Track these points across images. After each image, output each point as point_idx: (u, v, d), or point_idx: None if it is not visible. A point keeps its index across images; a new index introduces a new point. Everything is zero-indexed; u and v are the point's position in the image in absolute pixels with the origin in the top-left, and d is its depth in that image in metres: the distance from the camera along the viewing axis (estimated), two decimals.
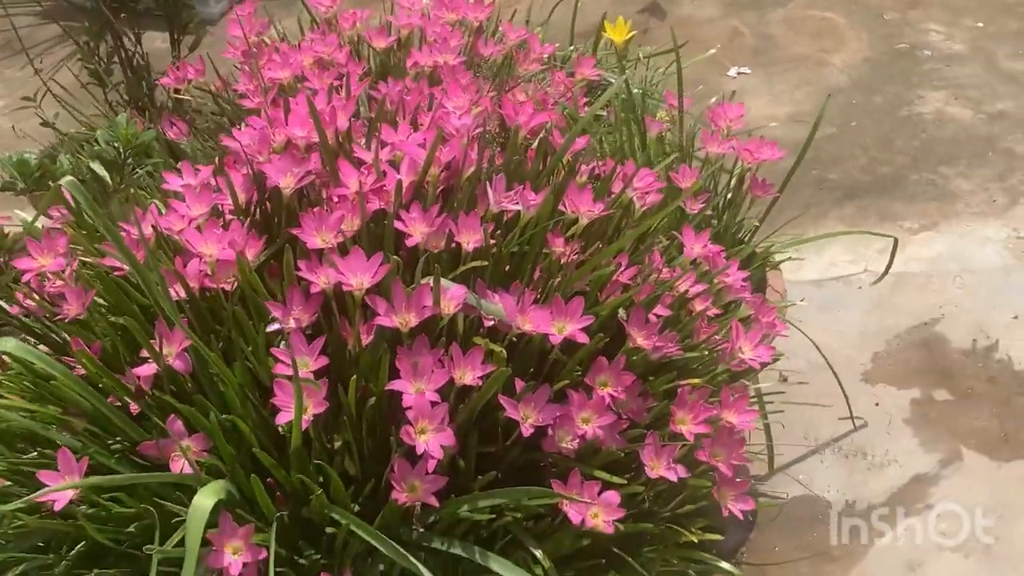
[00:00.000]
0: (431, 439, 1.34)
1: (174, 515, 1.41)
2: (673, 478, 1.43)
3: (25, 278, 1.54)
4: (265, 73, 1.93)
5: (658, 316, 1.53)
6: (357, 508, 1.39)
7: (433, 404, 1.35)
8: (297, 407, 1.32)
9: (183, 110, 2.13)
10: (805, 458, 2.27)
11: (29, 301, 1.58)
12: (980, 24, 3.76)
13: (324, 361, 1.39)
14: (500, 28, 2.24)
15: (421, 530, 1.36)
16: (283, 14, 2.51)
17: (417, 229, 1.46)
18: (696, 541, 1.52)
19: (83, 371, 1.47)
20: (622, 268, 1.54)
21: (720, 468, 1.48)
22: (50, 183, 2.00)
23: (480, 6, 2.13)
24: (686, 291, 1.59)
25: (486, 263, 1.46)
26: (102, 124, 2.40)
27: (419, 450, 1.33)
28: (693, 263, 1.65)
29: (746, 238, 2.19)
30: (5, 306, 1.65)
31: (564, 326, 1.41)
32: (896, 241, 2.26)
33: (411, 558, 1.28)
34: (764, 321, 1.59)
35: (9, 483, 1.50)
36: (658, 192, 1.69)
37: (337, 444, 1.43)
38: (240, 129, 1.73)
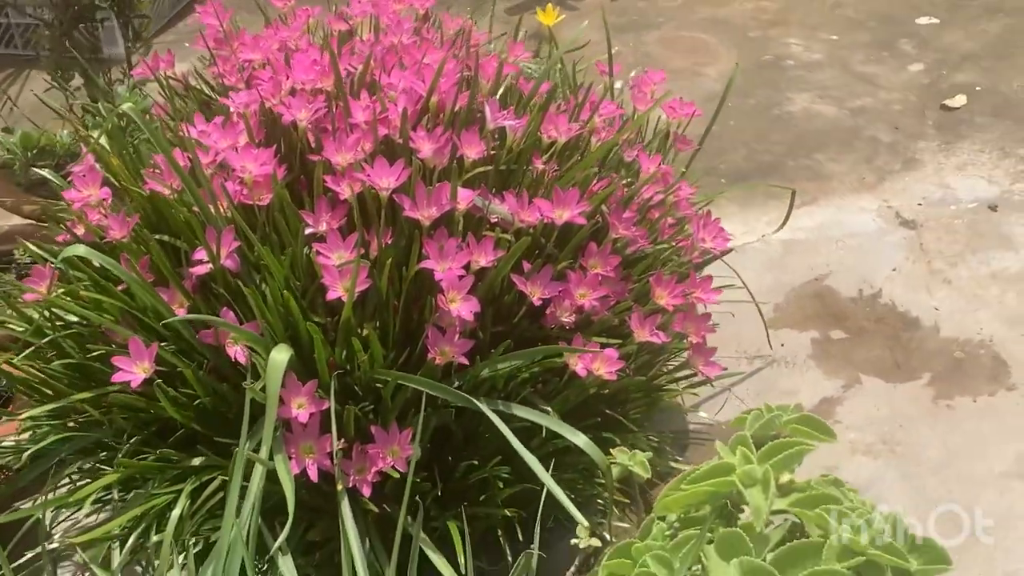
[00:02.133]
0: (461, 306, 1.59)
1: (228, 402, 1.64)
2: (658, 341, 1.70)
3: (76, 206, 1.74)
4: (239, 55, 2.15)
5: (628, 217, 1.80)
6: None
7: (460, 277, 1.59)
8: (352, 281, 1.55)
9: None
10: (720, 394, 2.53)
11: (79, 228, 1.77)
12: (835, 37, 4.21)
13: (356, 253, 1.62)
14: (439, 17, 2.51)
15: (458, 383, 1.60)
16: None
17: (425, 146, 1.71)
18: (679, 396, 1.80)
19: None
20: (595, 180, 1.82)
21: (691, 338, 1.75)
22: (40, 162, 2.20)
23: None
24: (650, 198, 1.87)
25: (490, 167, 1.72)
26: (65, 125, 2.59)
27: (453, 313, 1.57)
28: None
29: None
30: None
31: (563, 213, 1.68)
32: (794, 192, 2.58)
33: (465, 395, 1.52)
34: (712, 225, 1.87)
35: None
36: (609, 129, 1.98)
37: (365, 332, 1.65)
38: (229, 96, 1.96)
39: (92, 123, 2.10)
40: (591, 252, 1.71)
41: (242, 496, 1.46)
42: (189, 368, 1.60)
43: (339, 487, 1.51)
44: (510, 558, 1.65)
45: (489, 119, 1.76)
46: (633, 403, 1.81)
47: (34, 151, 2.11)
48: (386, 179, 1.64)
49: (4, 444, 1.76)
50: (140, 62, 2.34)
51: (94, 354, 1.69)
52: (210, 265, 1.65)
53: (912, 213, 3.15)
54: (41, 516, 1.70)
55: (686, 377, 1.88)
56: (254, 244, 1.64)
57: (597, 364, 1.64)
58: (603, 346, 1.67)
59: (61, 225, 1.81)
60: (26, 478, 1.76)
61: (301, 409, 1.54)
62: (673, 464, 1.84)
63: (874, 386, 2.59)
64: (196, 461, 1.66)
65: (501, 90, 1.98)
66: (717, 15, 4.46)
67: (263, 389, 1.48)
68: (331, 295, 1.59)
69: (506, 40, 2.63)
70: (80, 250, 1.61)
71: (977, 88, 3.75)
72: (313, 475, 1.52)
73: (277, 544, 1.46)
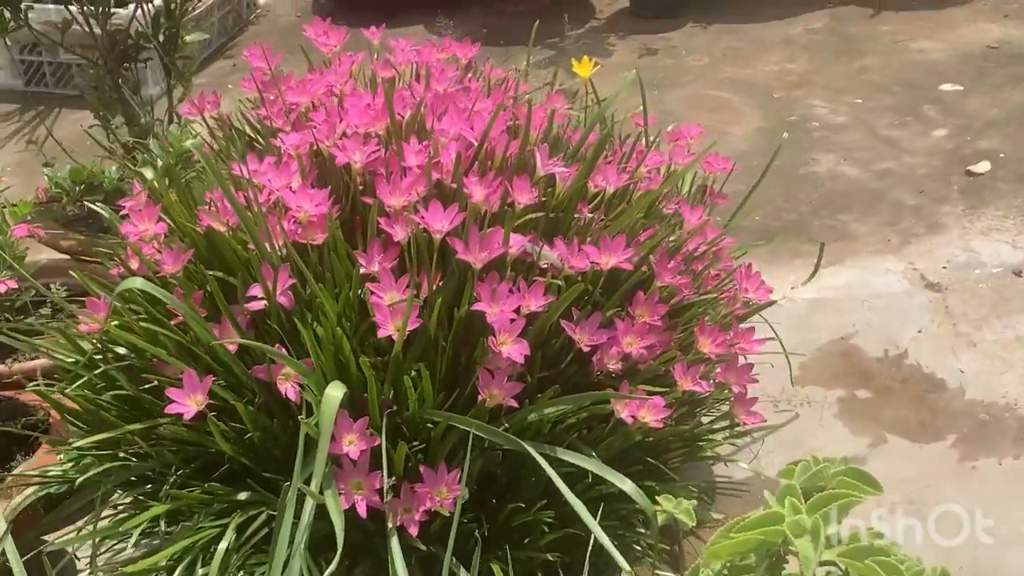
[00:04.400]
0: (511, 348, 1.61)
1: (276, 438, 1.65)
2: (702, 389, 1.72)
3: (132, 239, 1.77)
4: (287, 98, 2.19)
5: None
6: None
7: (511, 321, 1.62)
8: (404, 320, 1.57)
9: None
10: (747, 446, 2.55)
11: (134, 261, 1.80)
12: (859, 100, 4.26)
13: (408, 293, 1.65)
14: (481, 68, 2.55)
15: (505, 427, 1.61)
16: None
17: (477, 191, 1.74)
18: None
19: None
20: (640, 230, 1.85)
21: (734, 387, 1.78)
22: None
23: (468, 46, 2.43)
24: (694, 249, 1.90)
25: (541, 213, 1.75)
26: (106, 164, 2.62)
27: (504, 355, 1.59)
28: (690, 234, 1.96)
29: None
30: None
31: (610, 259, 1.70)
32: (822, 245, 2.61)
33: (515, 439, 1.53)
34: (754, 277, 1.90)
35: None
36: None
37: (415, 371, 1.67)
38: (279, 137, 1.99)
39: (142, 159, 2.14)
40: (638, 301, 1.73)
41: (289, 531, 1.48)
42: (240, 403, 1.62)
43: (389, 524, 1.53)
44: None
45: (540, 166, 1.79)
46: (673, 452, 1.83)
47: (82, 186, 2.15)
48: (441, 222, 1.67)
49: (51, 473, 1.77)
50: (187, 101, 2.38)
51: (146, 387, 1.71)
52: (264, 302, 1.67)
53: (937, 276, 3.18)
54: (72, 549, 1.72)
55: (722, 429, 1.90)
56: (308, 282, 1.66)
57: (643, 412, 1.66)
58: (649, 394, 1.69)
59: (114, 259, 1.83)
60: (69, 508, 1.77)
61: (352, 446, 1.56)
62: (713, 515, 1.85)
63: (900, 445, 2.61)
64: (242, 496, 1.68)
65: (549, 138, 2.01)
66: (741, 75, 4.53)
67: (315, 425, 1.50)
68: (382, 333, 1.61)
69: (546, 91, 2.67)
70: (138, 283, 1.64)
71: (1001, 155, 3.80)
72: (362, 511, 1.53)
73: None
